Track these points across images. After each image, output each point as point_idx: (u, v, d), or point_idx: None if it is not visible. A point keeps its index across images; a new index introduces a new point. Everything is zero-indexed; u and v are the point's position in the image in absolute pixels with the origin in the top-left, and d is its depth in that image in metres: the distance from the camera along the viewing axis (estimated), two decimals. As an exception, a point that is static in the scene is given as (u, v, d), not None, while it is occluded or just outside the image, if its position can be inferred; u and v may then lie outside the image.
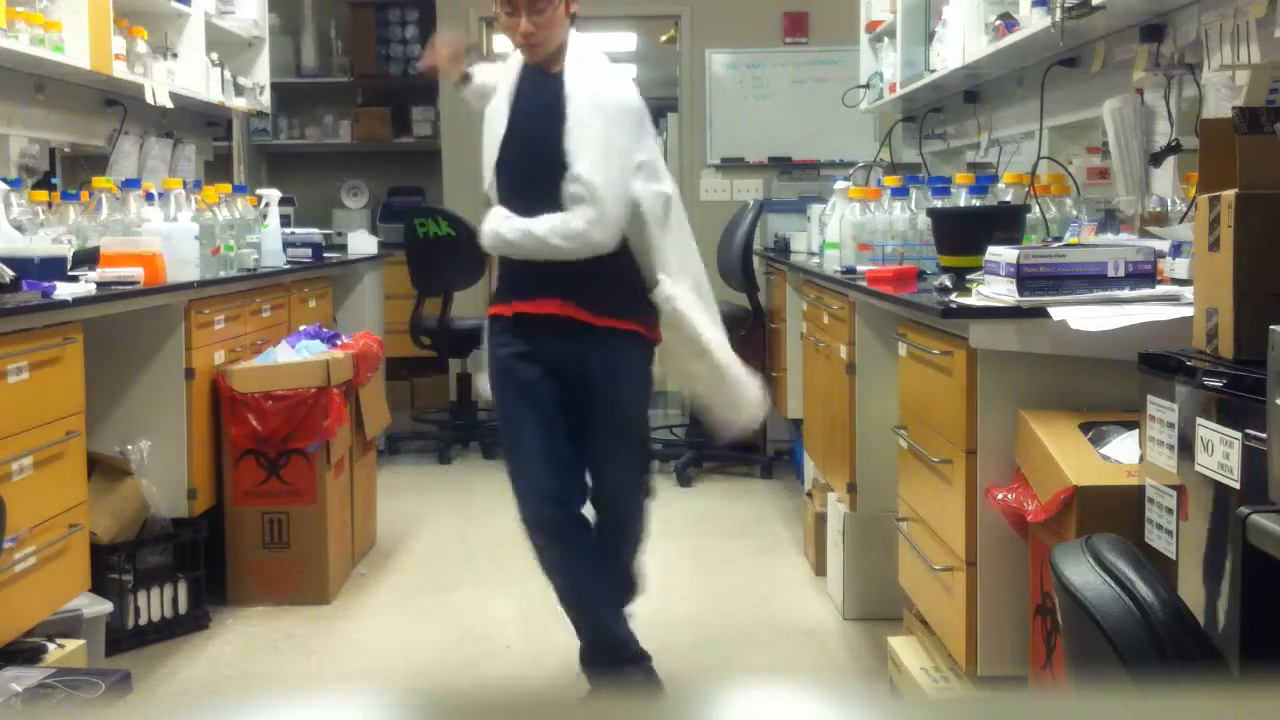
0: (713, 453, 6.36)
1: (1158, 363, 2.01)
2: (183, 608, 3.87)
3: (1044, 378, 2.67)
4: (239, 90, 5.94)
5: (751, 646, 3.80)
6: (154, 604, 3.80)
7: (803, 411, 5.03)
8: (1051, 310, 2.56)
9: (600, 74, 3.17)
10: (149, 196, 4.26)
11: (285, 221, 5.73)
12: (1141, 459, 2.09)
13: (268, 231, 4.90)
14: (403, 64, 7.70)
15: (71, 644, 3.16)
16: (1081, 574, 1.48)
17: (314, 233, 5.61)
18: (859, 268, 3.97)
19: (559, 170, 3.05)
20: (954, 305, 2.78)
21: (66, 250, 3.63)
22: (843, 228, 4.19)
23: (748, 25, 7.41)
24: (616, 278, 3.13)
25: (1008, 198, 3.86)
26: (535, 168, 3.13)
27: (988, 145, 5.08)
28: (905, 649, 3.25)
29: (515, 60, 3.25)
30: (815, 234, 5.16)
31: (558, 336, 3.16)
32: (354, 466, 4.55)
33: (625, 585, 3.36)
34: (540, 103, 3.15)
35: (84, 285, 3.40)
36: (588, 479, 3.24)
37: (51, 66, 4.33)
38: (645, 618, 3.79)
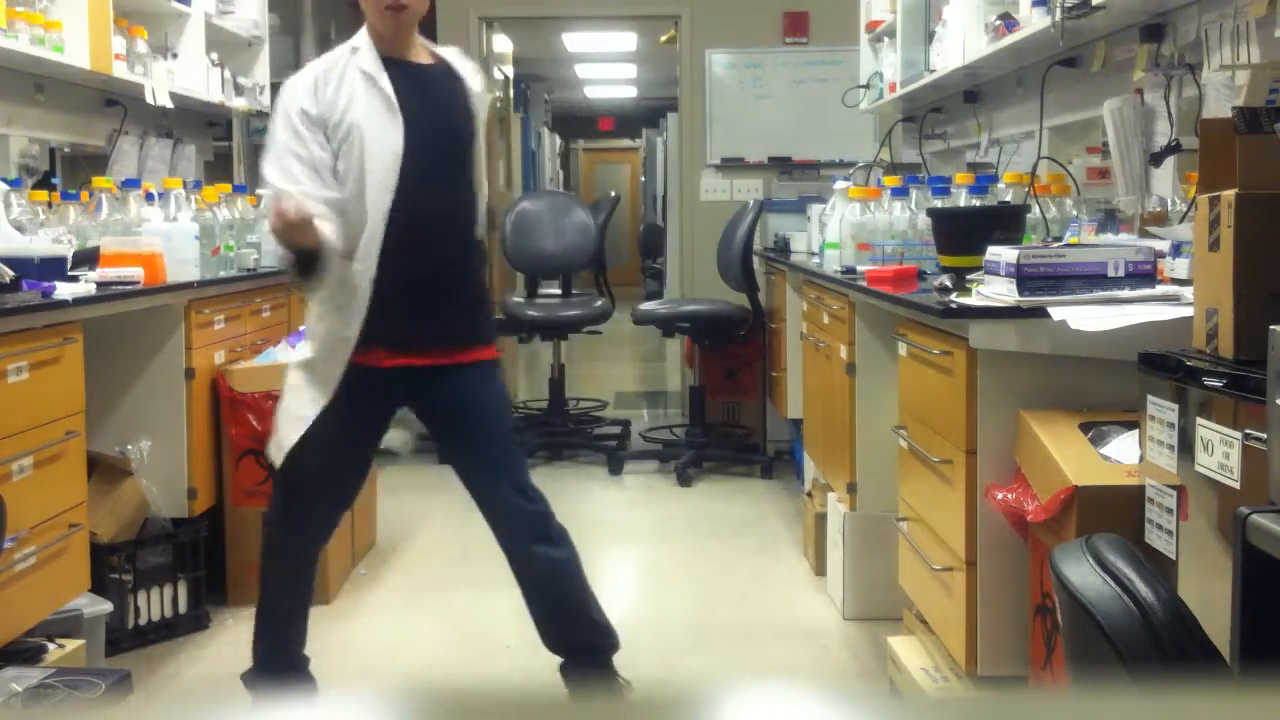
0: (713, 453, 6.36)
1: (1158, 363, 2.01)
2: (183, 608, 3.87)
3: (1044, 378, 2.67)
4: (239, 90, 5.94)
5: (751, 646, 3.80)
6: (154, 604, 3.80)
7: (803, 411, 5.03)
8: (1051, 310, 2.56)
9: (467, 65, 3.15)
10: (149, 196, 4.26)
11: (285, 221, 5.72)
12: (1141, 459, 2.09)
13: (268, 231, 4.90)
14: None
15: (71, 644, 3.16)
16: (1081, 574, 1.48)
17: (314, 233, 5.60)
18: (859, 268, 3.97)
19: (466, 164, 3.03)
20: (954, 305, 2.78)
21: (66, 250, 3.63)
22: (843, 228, 4.19)
23: (748, 25, 7.41)
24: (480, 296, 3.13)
25: (1008, 198, 3.86)
26: (447, 163, 3.02)
27: (988, 145, 5.08)
28: (905, 649, 3.25)
29: (340, 65, 3.00)
30: (815, 234, 5.16)
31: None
32: (354, 466, 4.54)
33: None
34: (441, 95, 3.03)
35: (84, 285, 3.40)
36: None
37: (51, 66, 4.33)
38: (645, 617, 3.79)
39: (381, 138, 2.91)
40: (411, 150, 2.92)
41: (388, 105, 2.93)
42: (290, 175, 2.88)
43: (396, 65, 3.00)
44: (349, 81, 2.96)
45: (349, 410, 3.00)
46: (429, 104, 3.00)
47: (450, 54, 3.14)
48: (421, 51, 3.09)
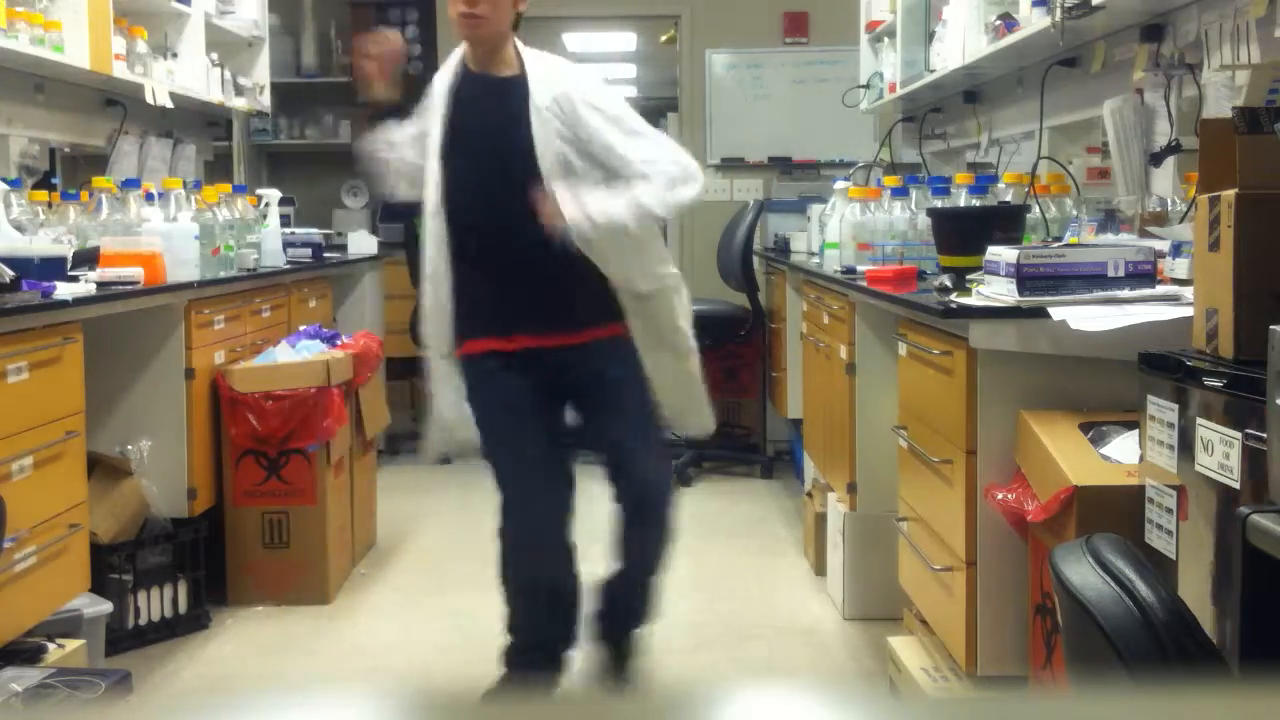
0: (713, 453, 6.36)
1: (1158, 363, 2.01)
2: (183, 608, 3.87)
3: (1044, 378, 2.67)
4: (239, 90, 5.94)
5: (751, 646, 3.80)
6: (154, 604, 3.80)
7: (803, 411, 5.03)
8: (1051, 310, 2.56)
9: (565, 69, 3.10)
10: (149, 196, 4.26)
11: (285, 221, 5.73)
12: (1141, 459, 2.09)
13: (268, 231, 4.90)
14: (403, 64, 7.70)
15: (71, 644, 3.16)
16: (1081, 574, 1.48)
17: (314, 233, 5.61)
18: (859, 268, 3.97)
19: (527, 183, 2.97)
20: (954, 305, 2.78)
21: (66, 250, 3.63)
22: (843, 228, 4.18)
23: (748, 25, 7.41)
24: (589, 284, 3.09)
25: (1008, 198, 3.86)
26: (501, 182, 3.02)
27: (988, 145, 5.08)
28: (905, 649, 3.25)
29: (442, 80, 3.13)
30: (815, 234, 5.16)
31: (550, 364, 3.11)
32: (354, 466, 4.55)
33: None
34: (500, 109, 3.03)
35: (84, 285, 3.39)
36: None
37: (51, 66, 4.32)
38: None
39: (434, 150, 3.08)
40: (457, 163, 3.05)
41: (442, 118, 3.08)
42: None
43: (474, 79, 3.08)
44: (433, 91, 3.15)
45: (508, 396, 3.10)
46: (485, 117, 3.05)
47: (537, 63, 3.07)
48: (510, 63, 3.07)
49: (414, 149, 3.15)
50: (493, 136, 3.04)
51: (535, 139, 2.98)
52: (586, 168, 2.99)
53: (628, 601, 3.25)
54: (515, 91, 3.02)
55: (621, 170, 2.98)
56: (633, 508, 3.15)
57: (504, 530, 3.18)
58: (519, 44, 3.10)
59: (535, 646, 3.19)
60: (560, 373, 3.10)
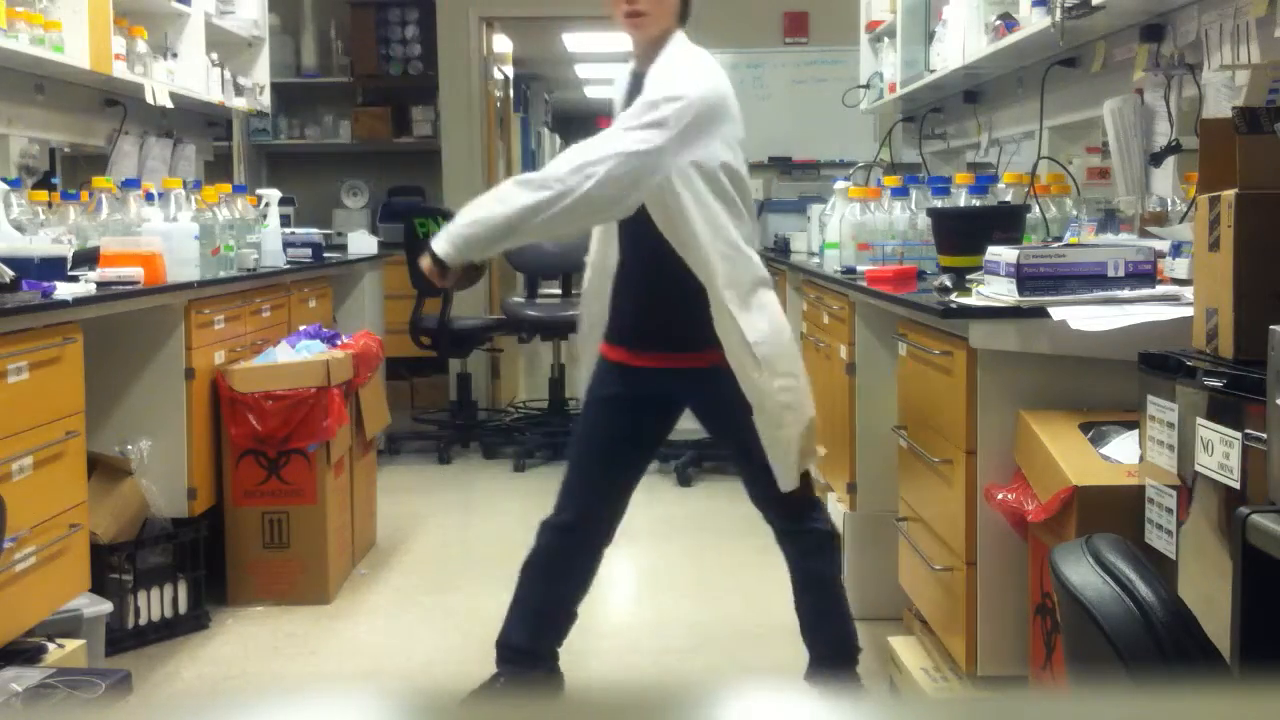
0: (713, 452, 6.35)
1: (1158, 363, 2.01)
2: (183, 608, 3.87)
3: (1044, 378, 2.67)
4: (239, 90, 5.94)
5: (751, 646, 3.80)
6: (154, 604, 3.80)
7: (803, 411, 5.02)
8: (1051, 310, 2.56)
9: (672, 63, 2.96)
10: (149, 196, 4.26)
11: (285, 221, 5.73)
12: (1141, 459, 2.09)
13: (268, 231, 4.90)
14: (402, 64, 7.70)
15: (71, 644, 3.16)
16: (1081, 574, 1.48)
17: (314, 233, 5.61)
18: (859, 268, 3.97)
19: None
20: (954, 305, 2.78)
21: (66, 250, 3.63)
22: (843, 228, 4.18)
23: (748, 25, 7.41)
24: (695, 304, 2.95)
25: (1008, 198, 3.86)
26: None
27: (988, 145, 5.08)
28: (905, 649, 3.25)
29: (619, 84, 3.07)
30: (815, 234, 5.15)
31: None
32: (354, 466, 4.55)
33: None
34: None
35: (84, 285, 3.39)
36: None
37: (51, 66, 4.33)
38: (645, 617, 3.80)
39: None
40: None
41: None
42: None
43: (635, 78, 3.00)
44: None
45: (610, 406, 3.07)
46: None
47: (662, 61, 2.95)
48: (658, 62, 2.96)
49: None
50: None
51: None
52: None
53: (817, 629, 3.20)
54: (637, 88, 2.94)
55: None
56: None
57: None
58: (683, 40, 2.98)
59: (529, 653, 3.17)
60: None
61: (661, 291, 2.96)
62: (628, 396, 3.06)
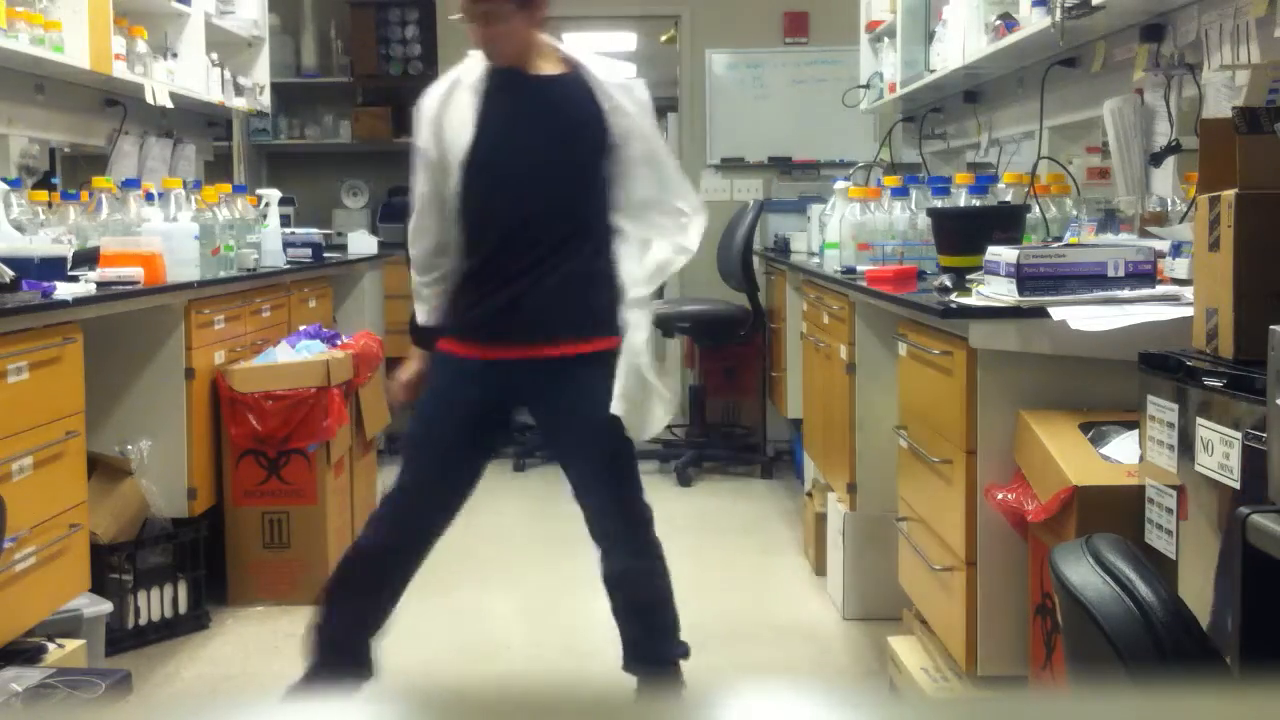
0: (713, 453, 6.36)
1: (1158, 363, 2.01)
2: (183, 608, 3.87)
3: (1044, 378, 2.67)
4: (239, 90, 5.94)
5: (751, 646, 3.80)
6: (154, 604, 3.80)
7: (803, 411, 5.03)
8: (1051, 310, 2.56)
9: (609, 68, 3.04)
10: (149, 196, 4.26)
11: (285, 221, 5.73)
12: (1141, 459, 2.09)
13: (268, 231, 4.90)
14: (402, 64, 7.70)
15: (71, 644, 3.16)
16: (1081, 574, 1.48)
17: (314, 233, 5.61)
18: (859, 268, 3.97)
19: (570, 170, 2.94)
20: (954, 305, 2.78)
21: (66, 250, 3.63)
22: (843, 228, 4.19)
23: (748, 25, 7.41)
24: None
25: (1008, 198, 3.86)
26: (544, 169, 2.95)
27: (988, 145, 5.08)
28: (905, 649, 3.25)
29: (470, 70, 3.01)
30: (815, 234, 5.16)
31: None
32: (354, 466, 4.55)
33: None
34: (543, 103, 2.97)
35: (84, 285, 3.39)
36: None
37: (51, 66, 4.33)
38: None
39: (461, 143, 2.93)
40: (488, 156, 2.91)
41: (468, 112, 2.94)
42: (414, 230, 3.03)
43: (506, 75, 2.97)
44: (458, 90, 3.00)
45: (453, 404, 3.01)
46: (531, 113, 2.96)
47: (597, 65, 3.01)
48: (551, 63, 2.99)
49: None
50: (536, 131, 2.96)
51: (595, 134, 2.95)
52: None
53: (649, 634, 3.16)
54: (571, 89, 2.97)
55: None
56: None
57: None
58: (551, 39, 3.03)
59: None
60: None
61: (568, 274, 2.95)
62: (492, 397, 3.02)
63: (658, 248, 2.96)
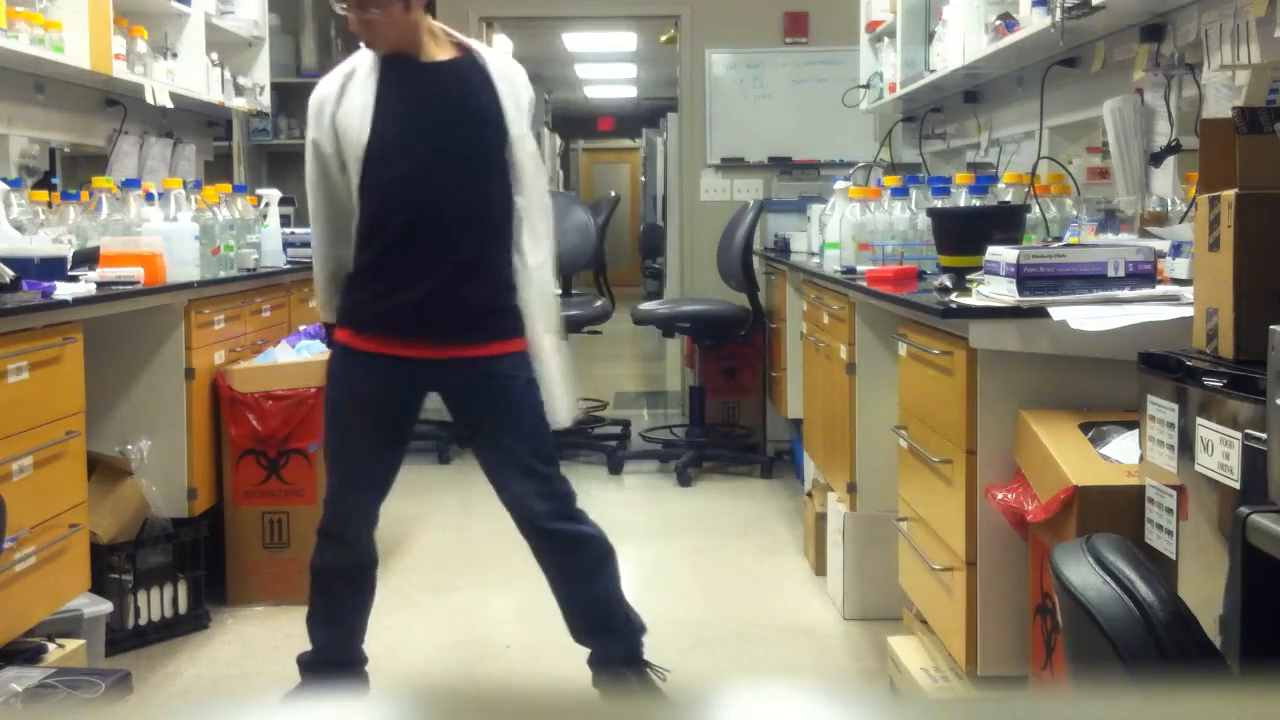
0: (713, 453, 6.36)
1: (1158, 363, 2.01)
2: (183, 608, 3.87)
3: (1044, 378, 2.67)
4: (239, 90, 5.94)
5: (751, 646, 3.80)
6: (154, 604, 3.80)
7: (803, 411, 5.03)
8: (1051, 310, 2.56)
9: (501, 59, 3.05)
10: (149, 196, 4.26)
11: (285, 221, 5.72)
12: (1141, 459, 2.09)
13: (268, 231, 4.90)
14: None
15: (71, 644, 3.16)
16: (1081, 574, 1.47)
17: (314, 233, 5.60)
18: (859, 268, 3.97)
19: (474, 157, 2.94)
20: (954, 305, 2.78)
21: (66, 250, 3.63)
22: (843, 228, 4.19)
23: (748, 25, 7.41)
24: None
25: (1008, 198, 3.86)
26: (447, 156, 2.93)
27: (988, 145, 5.08)
28: (905, 649, 3.25)
29: (364, 60, 3.00)
30: (815, 234, 5.16)
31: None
32: (354, 466, 4.54)
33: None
34: (438, 89, 2.96)
35: (84, 285, 3.40)
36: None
37: (51, 66, 4.33)
38: (645, 617, 3.76)
39: (359, 134, 2.90)
40: (387, 145, 2.89)
41: (364, 102, 2.92)
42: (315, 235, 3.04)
43: (400, 62, 2.95)
44: (353, 81, 2.97)
45: (373, 399, 3.01)
46: (428, 99, 2.95)
47: (486, 49, 3.06)
48: (443, 48, 2.99)
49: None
50: (437, 117, 2.96)
51: (495, 119, 2.97)
52: None
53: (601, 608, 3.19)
54: (466, 74, 2.98)
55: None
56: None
57: None
58: (435, 26, 3.01)
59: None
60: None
61: (489, 276, 2.97)
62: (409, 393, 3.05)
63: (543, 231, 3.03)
